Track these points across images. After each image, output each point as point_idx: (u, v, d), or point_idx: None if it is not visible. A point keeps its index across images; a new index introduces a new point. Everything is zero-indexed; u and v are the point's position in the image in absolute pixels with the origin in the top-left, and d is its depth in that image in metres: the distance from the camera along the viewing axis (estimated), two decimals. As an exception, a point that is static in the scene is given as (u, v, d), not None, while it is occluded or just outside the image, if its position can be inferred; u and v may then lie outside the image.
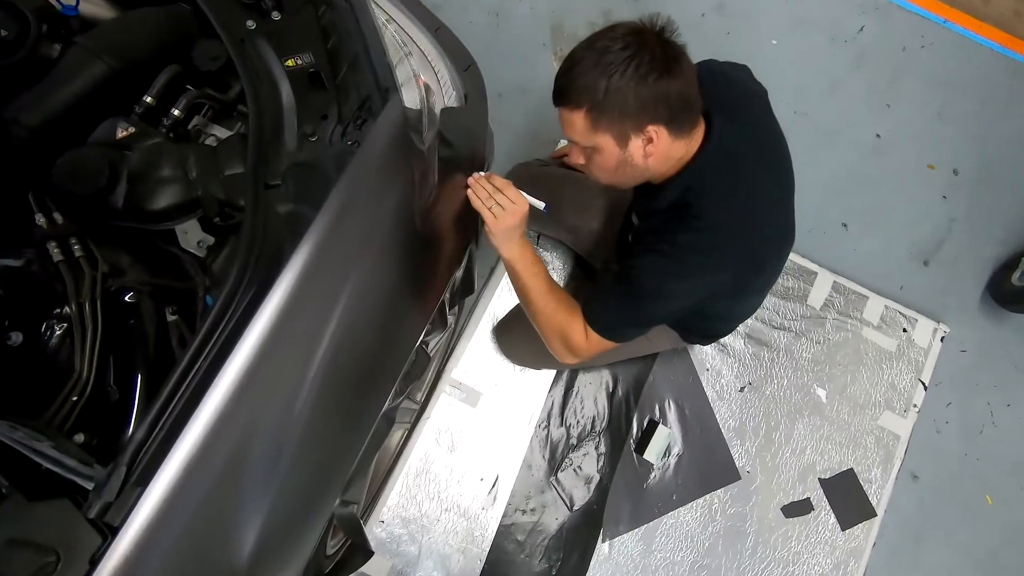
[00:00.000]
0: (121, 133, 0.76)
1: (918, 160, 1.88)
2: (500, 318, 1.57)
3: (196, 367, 0.67)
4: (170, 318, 0.76)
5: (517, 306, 1.54)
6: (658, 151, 0.92)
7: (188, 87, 0.89)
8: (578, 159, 1.01)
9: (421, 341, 0.93)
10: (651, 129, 0.89)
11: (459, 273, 1.07)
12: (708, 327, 1.31)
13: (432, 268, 0.95)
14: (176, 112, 0.82)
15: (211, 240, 0.82)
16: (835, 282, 1.73)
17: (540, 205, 1.02)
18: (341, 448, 0.78)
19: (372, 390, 0.80)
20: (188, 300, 0.78)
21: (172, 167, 0.79)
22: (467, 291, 1.17)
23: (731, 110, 0.99)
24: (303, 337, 0.71)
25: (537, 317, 1.08)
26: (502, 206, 0.98)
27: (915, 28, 1.98)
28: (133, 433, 0.64)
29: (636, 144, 0.91)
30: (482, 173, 1.01)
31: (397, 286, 0.84)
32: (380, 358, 0.80)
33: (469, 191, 1.00)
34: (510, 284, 1.66)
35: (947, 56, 1.96)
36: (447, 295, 1.04)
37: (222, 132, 0.93)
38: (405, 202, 0.86)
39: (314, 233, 0.73)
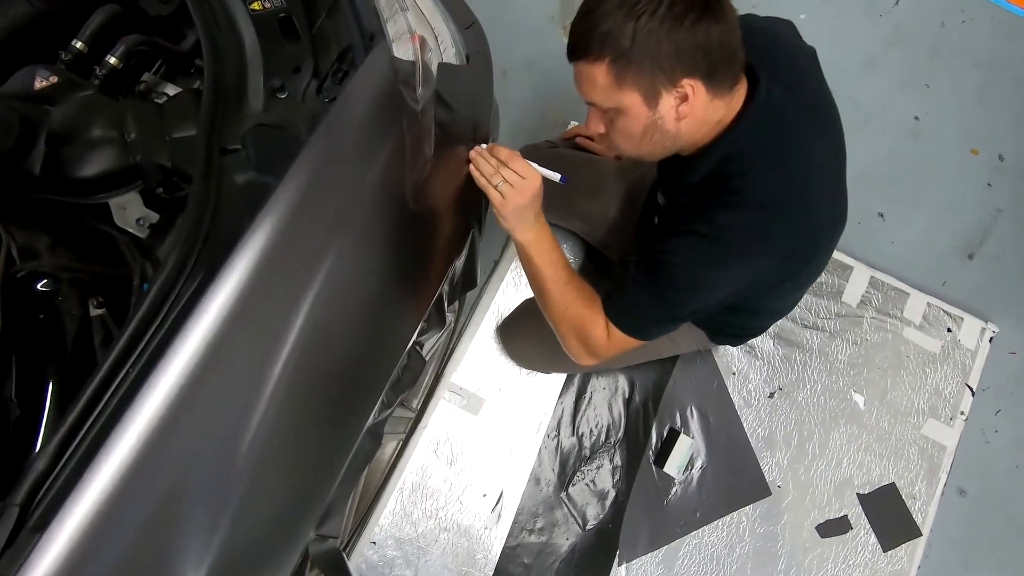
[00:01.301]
0: (40, 83, 0.61)
1: (960, 144, 1.72)
2: (505, 316, 1.42)
3: (121, 375, 0.52)
4: (95, 312, 0.61)
5: (524, 303, 1.38)
6: (694, 112, 0.77)
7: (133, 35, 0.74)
8: (597, 127, 0.86)
9: (414, 342, 0.78)
10: (686, 83, 0.74)
11: (459, 263, 0.91)
12: (741, 325, 1.16)
13: (427, 256, 0.80)
14: (112, 60, 0.67)
15: (155, 217, 0.67)
16: (872, 277, 1.57)
17: (555, 177, 0.87)
18: (313, 474, 0.63)
19: (353, 402, 0.65)
20: (122, 291, 0.63)
21: (105, 126, 0.64)
22: (468, 285, 1.02)
23: (777, 67, 0.83)
24: (262, 338, 0.56)
25: (552, 311, 0.93)
26: (510, 182, 0.83)
27: (955, 2, 1.83)
28: (33, 461, 0.49)
29: (668, 103, 0.76)
30: (484, 146, 0.86)
31: (384, 276, 0.70)
32: (363, 364, 0.65)
33: (471, 167, 0.85)
34: (515, 280, 1.52)
35: (990, 32, 1.81)
36: (445, 288, 0.89)
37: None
38: (394, 173, 0.71)
39: (277, 207, 0.58)
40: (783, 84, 0.83)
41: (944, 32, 1.81)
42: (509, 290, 1.48)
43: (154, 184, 0.65)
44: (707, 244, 0.81)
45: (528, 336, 1.33)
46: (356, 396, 0.64)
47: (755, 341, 1.51)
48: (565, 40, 0.80)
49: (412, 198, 0.74)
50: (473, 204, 0.91)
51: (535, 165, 0.85)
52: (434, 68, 0.77)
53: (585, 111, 0.85)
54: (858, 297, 1.56)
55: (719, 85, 0.77)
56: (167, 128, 0.68)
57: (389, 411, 0.75)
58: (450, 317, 1.18)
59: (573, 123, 1.59)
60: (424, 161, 0.76)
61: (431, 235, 0.81)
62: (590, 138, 1.42)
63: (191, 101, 0.70)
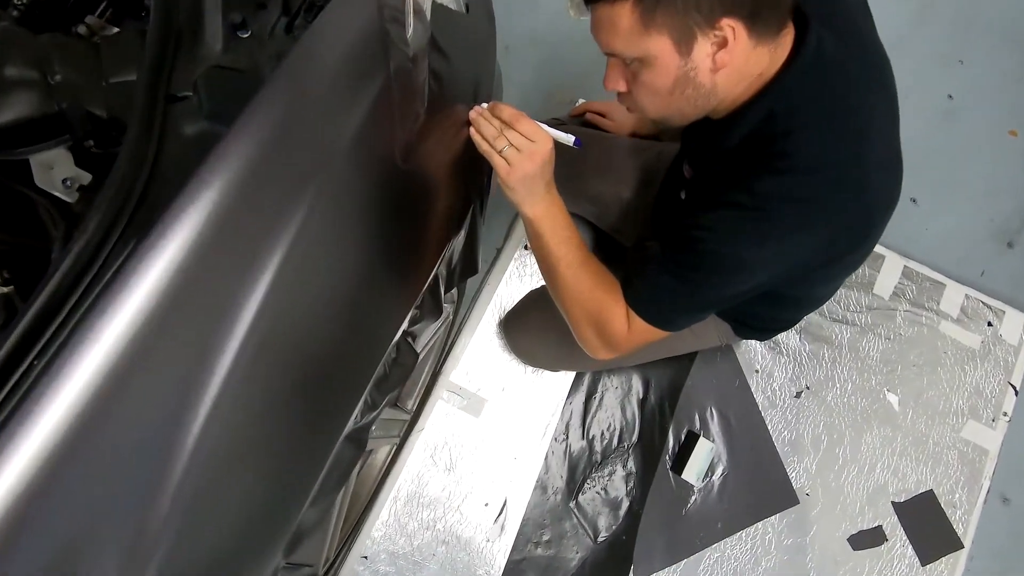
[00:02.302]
0: (-61, 11, 0.50)
1: (997, 125, 1.61)
2: (509, 309, 1.30)
3: (22, 367, 0.40)
4: (2, 289, 0.49)
5: (530, 294, 1.26)
6: (733, 60, 0.66)
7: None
8: (616, 84, 0.74)
9: (405, 333, 0.66)
10: (726, 24, 0.63)
11: (458, 243, 0.79)
12: (773, 317, 1.04)
13: (420, 231, 0.69)
14: (33, -15, 0.56)
15: (86, 178, 0.56)
16: (905, 267, 1.46)
17: (568, 140, 0.76)
18: (277, 491, 0.51)
19: (328, 403, 0.53)
20: (40, 265, 0.51)
21: (21, 65, 0.52)
22: (469, 271, 0.90)
23: (828, 12, 0.72)
24: (207, 325, 0.45)
25: (565, 297, 0.82)
26: (516, 147, 0.71)
27: (989, -27, 1.71)
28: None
29: (703, 49, 0.65)
30: (484, 105, 0.74)
31: (367, 252, 0.58)
32: (340, 356, 0.53)
33: (471, 130, 0.73)
34: (520, 270, 1.40)
35: (1026, 5, 1.69)
36: (441, 271, 0.77)
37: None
38: (379, 128, 0.59)
39: (227, 158, 0.47)
40: (835, 31, 0.71)
41: (979, 3, 1.69)
42: (513, 280, 1.36)
43: (81, 135, 0.53)
44: (748, 217, 0.69)
45: (534, 330, 1.21)
46: (332, 395, 0.53)
47: (780, 336, 1.39)
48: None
49: (402, 161, 0.62)
50: (474, 174, 0.80)
51: (545, 127, 0.74)
52: (427, 8, 0.65)
53: (595, 88, 0.74)
54: (891, 288, 1.45)
55: (763, 29, 0.66)
56: (105, 71, 0.56)
57: (375, 413, 0.63)
58: (448, 308, 1.06)
59: (581, 101, 1.47)
60: (415, 118, 0.64)
61: (425, 208, 0.69)
62: (601, 114, 1.30)
63: (136, 40, 0.58)
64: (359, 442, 0.62)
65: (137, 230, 0.46)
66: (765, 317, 1.05)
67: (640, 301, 0.79)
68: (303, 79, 0.52)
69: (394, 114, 0.59)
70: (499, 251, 1.38)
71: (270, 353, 0.47)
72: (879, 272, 1.45)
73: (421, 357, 1.00)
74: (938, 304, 1.44)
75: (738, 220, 0.70)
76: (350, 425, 0.56)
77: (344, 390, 0.54)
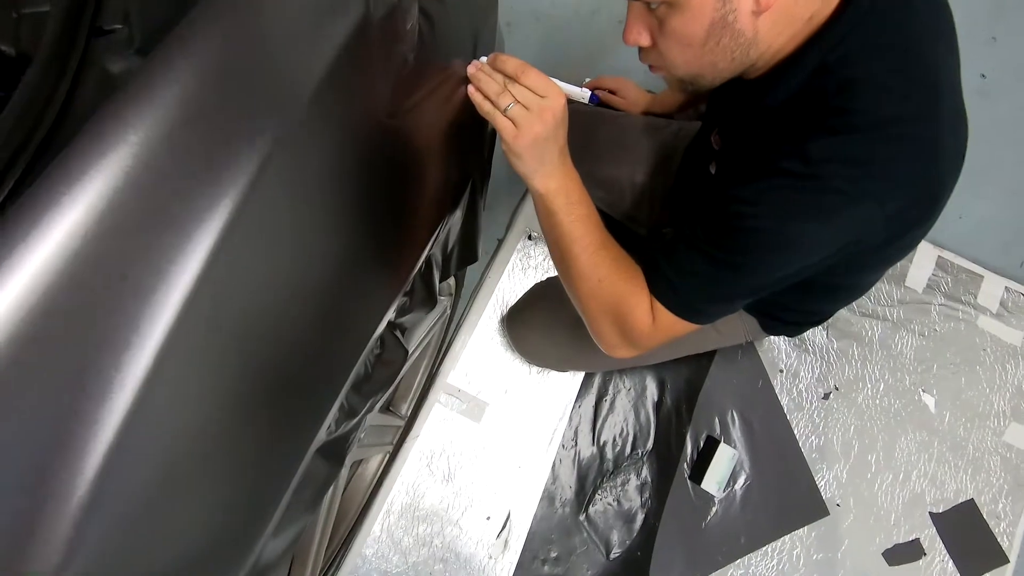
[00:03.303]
0: None
1: (1034, 106, 1.50)
2: (512, 304, 1.19)
3: None
4: None
5: (535, 287, 1.15)
6: (777, 2, 0.55)
7: None
8: (639, 37, 0.64)
9: (391, 325, 0.56)
10: None
11: (454, 223, 0.69)
12: (809, 310, 0.93)
13: (408, 202, 0.58)
14: None
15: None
16: (939, 257, 1.35)
17: (584, 95, 0.65)
18: (224, 520, 0.40)
19: (288, 409, 0.42)
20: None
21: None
22: (468, 257, 0.79)
23: None
24: (117, 304, 0.34)
25: (580, 285, 0.71)
26: (524, 104, 0.61)
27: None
28: None
29: None
30: (484, 59, 0.63)
31: (339, 223, 0.47)
32: (303, 350, 0.42)
33: (470, 88, 0.63)
34: (523, 262, 1.29)
35: (1061, -21, 1.59)
36: (435, 255, 0.66)
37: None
38: (354, 69, 0.48)
39: (147, 99, 0.36)
40: None
41: (1010, -21, 1.59)
42: (516, 273, 1.25)
43: (-21, 74, 0.42)
44: (800, 186, 0.58)
45: (540, 327, 1.11)
46: (295, 398, 0.42)
47: (806, 333, 1.28)
48: None
49: (386, 117, 0.51)
50: (474, 144, 0.69)
51: (557, 81, 0.63)
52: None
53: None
54: (924, 281, 1.34)
55: None
56: (15, 1, 0.46)
57: (355, 420, 0.52)
58: (445, 302, 0.96)
59: (588, 80, 1.37)
60: (402, 65, 0.53)
61: (415, 177, 0.58)
62: (612, 91, 1.20)
63: (57, -34, 0.47)
64: (336, 456, 0.51)
65: (37, 191, 0.35)
66: (799, 310, 0.94)
67: (668, 290, 0.68)
68: (256, 3, 0.42)
69: (374, 55, 0.49)
70: (500, 242, 1.28)
71: (211, 345, 0.37)
72: (911, 263, 1.34)
73: (415, 356, 0.89)
74: (975, 297, 1.33)
75: (787, 190, 0.59)
76: (323, 435, 0.46)
77: (312, 392, 0.43)
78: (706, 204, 0.67)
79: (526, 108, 0.60)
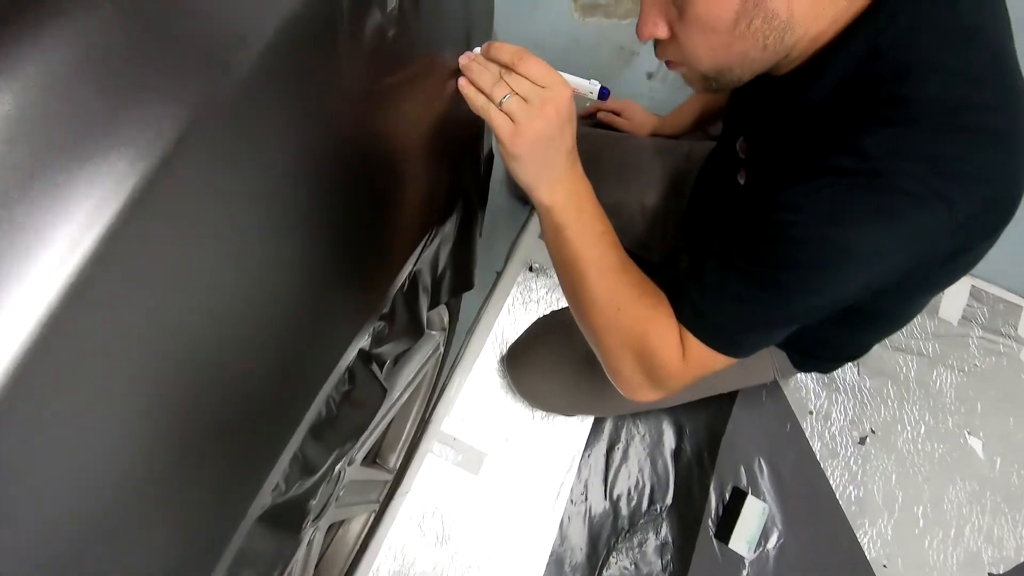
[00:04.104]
0: None
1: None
2: (513, 341, 1.08)
3: None
4: None
5: (538, 321, 1.05)
6: None
7: None
8: (655, 29, 0.56)
9: (363, 355, 0.45)
10: None
11: (444, 236, 0.59)
12: (847, 342, 0.83)
13: (382, 210, 0.48)
14: None
15: None
16: (973, 287, 1.25)
17: (592, 88, 0.57)
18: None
19: (207, 461, 0.31)
20: None
21: None
22: (461, 283, 0.69)
23: None
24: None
25: (595, 315, 0.60)
26: (523, 96, 0.52)
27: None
28: None
29: None
30: (477, 50, 0.55)
31: (285, 224, 0.37)
32: (232, 383, 0.31)
33: (461, 81, 0.54)
34: (524, 296, 1.19)
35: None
36: (421, 273, 0.56)
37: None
38: (310, 34, 0.39)
39: (41, 36, 0.27)
40: None
41: None
42: (517, 308, 1.15)
43: None
44: (856, 184, 0.49)
45: (544, 365, 0.99)
46: (215, 448, 0.30)
47: (835, 371, 1.17)
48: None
49: (354, 104, 0.42)
50: (466, 150, 0.60)
51: (562, 73, 0.55)
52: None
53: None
54: (959, 312, 1.24)
55: None
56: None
57: (314, 478, 0.41)
58: (437, 337, 0.85)
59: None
60: (379, 40, 0.45)
61: (393, 176, 0.49)
62: (616, 113, 1.13)
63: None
64: (289, 525, 0.39)
65: None
66: (835, 343, 0.83)
67: (698, 317, 0.58)
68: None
69: (346, 16, 0.40)
70: (499, 274, 1.18)
71: (79, 368, 0.26)
72: (943, 293, 1.24)
73: (403, 399, 0.78)
74: (1016, 329, 1.23)
75: (840, 190, 0.50)
76: (266, 498, 0.34)
77: (246, 438, 0.32)
78: (737, 216, 0.58)
79: (525, 100, 0.52)
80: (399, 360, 0.78)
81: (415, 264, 0.50)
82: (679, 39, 0.56)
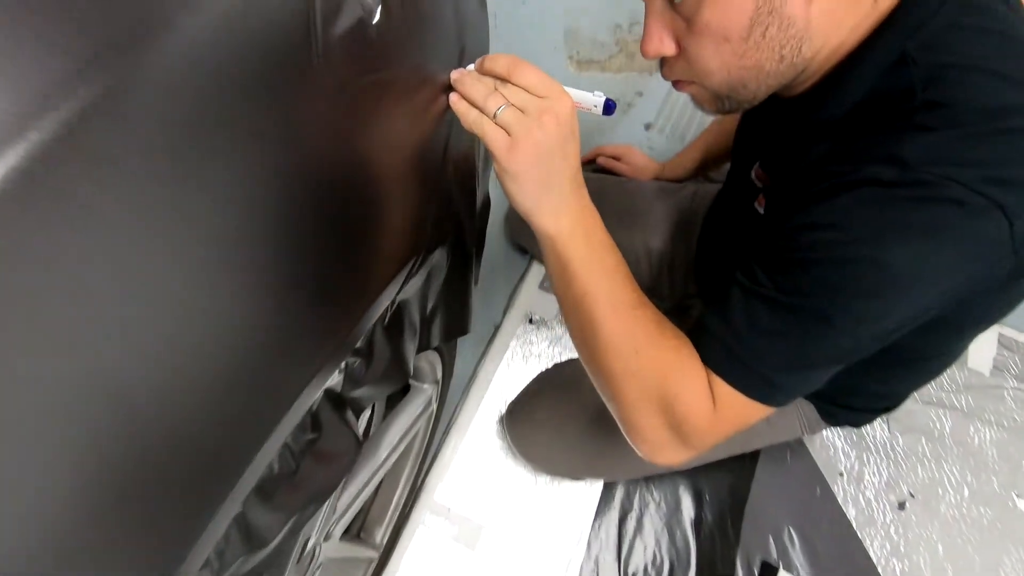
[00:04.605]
0: None
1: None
2: (512, 398, 0.99)
3: None
4: None
5: (540, 375, 0.96)
6: None
7: None
8: (662, 43, 0.52)
9: (332, 398, 0.37)
10: None
11: (434, 264, 0.53)
12: (883, 391, 0.75)
13: (352, 228, 0.41)
14: None
15: None
16: (1000, 335, 1.18)
17: (597, 100, 0.52)
18: None
19: (99, 524, 0.23)
20: None
21: None
22: (454, 326, 0.62)
23: None
24: None
25: (609, 361, 0.53)
26: (519, 106, 0.47)
27: None
28: None
29: None
30: (471, 66, 0.51)
31: (216, 208, 0.30)
32: (147, 423, 0.24)
33: (452, 97, 0.49)
34: (524, 349, 1.11)
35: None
36: (407, 306, 0.49)
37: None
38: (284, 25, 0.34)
39: None
40: None
41: None
42: (516, 362, 1.07)
43: None
44: (899, 196, 0.44)
45: (548, 423, 0.90)
46: (112, 513, 0.22)
47: (863, 427, 1.08)
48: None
49: (326, 96, 0.37)
50: (461, 178, 0.54)
51: (566, 88, 0.50)
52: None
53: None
54: (989, 362, 1.16)
55: None
56: None
57: (264, 552, 0.32)
58: (429, 391, 0.77)
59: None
60: (358, 30, 0.40)
61: (369, 182, 0.42)
62: (616, 158, 1.10)
63: None
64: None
65: None
66: (869, 391, 0.75)
67: (729, 357, 0.50)
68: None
69: (315, 29, 0.35)
70: (498, 327, 1.11)
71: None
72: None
73: (389, 461, 0.69)
74: (1053, 380, 1.14)
75: (881, 203, 0.44)
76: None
77: (161, 496, 0.24)
78: (761, 243, 0.52)
79: (523, 113, 0.47)
80: (386, 416, 0.69)
81: (398, 293, 0.43)
82: (688, 54, 0.52)
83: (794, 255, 0.48)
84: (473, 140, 0.61)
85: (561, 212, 0.51)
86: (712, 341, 0.52)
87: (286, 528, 0.33)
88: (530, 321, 1.11)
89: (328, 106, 0.37)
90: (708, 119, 1.11)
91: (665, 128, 1.39)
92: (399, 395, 0.76)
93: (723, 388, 0.51)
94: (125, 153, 0.24)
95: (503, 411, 1.01)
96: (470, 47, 0.56)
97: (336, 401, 0.37)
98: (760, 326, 0.49)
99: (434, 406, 0.80)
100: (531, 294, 1.14)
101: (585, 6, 1.51)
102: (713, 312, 0.53)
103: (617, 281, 0.53)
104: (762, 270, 0.50)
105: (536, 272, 1.16)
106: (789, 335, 0.49)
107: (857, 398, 0.77)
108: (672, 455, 0.54)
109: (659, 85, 1.44)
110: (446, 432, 1.00)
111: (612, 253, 0.54)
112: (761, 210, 0.61)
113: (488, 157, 0.58)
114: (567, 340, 1.10)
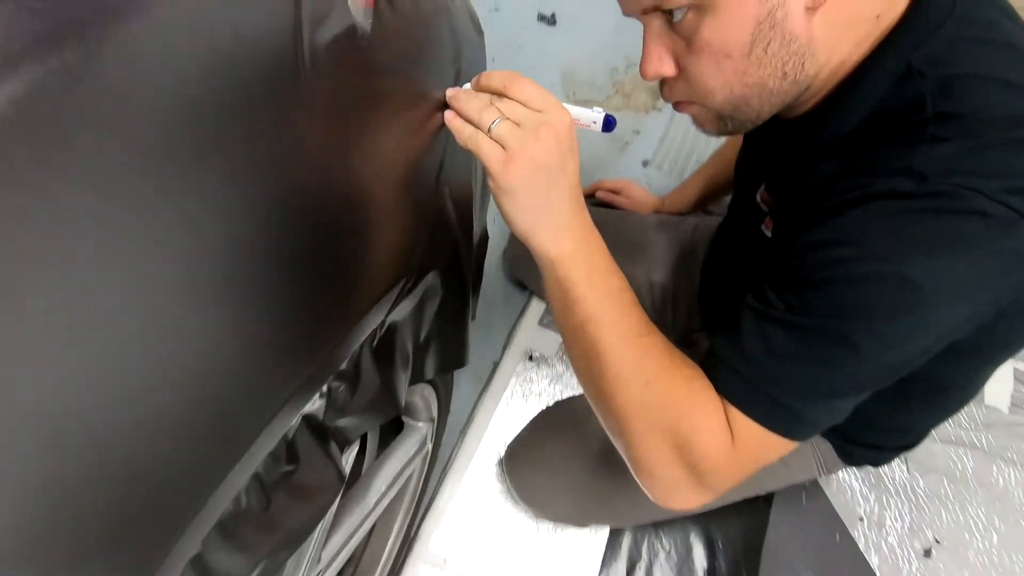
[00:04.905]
0: None
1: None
2: (512, 439, 0.94)
3: None
4: None
5: (542, 414, 0.92)
6: None
7: None
8: (661, 63, 0.51)
9: (311, 424, 0.34)
10: None
11: (428, 287, 0.50)
12: (904, 426, 0.72)
13: (335, 244, 0.38)
14: None
15: None
16: (1016, 370, 1.14)
17: (597, 116, 0.50)
18: None
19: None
20: None
21: None
22: (450, 358, 0.59)
23: None
24: None
25: (617, 394, 0.50)
26: (515, 121, 0.45)
27: None
28: None
29: None
30: (467, 85, 0.50)
31: (178, 207, 0.27)
32: (72, 435, 0.20)
33: (447, 115, 0.48)
34: (524, 388, 1.06)
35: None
36: (399, 329, 0.46)
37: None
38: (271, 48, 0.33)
39: None
40: None
41: None
42: (516, 401, 1.03)
43: None
44: (916, 208, 0.41)
45: (550, 465, 0.86)
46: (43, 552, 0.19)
47: (881, 468, 1.03)
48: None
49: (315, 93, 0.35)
50: (459, 199, 0.52)
51: (565, 104, 0.48)
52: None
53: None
54: (1007, 398, 1.12)
55: None
56: None
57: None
58: (424, 429, 0.73)
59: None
60: (350, 37, 0.39)
61: (355, 192, 0.40)
62: (615, 192, 1.09)
63: None
64: None
65: None
66: (889, 425, 0.71)
67: (746, 387, 0.47)
68: None
69: (304, 45, 0.33)
70: (496, 364, 1.07)
71: None
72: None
73: (381, 505, 0.64)
74: (1075, 416, 1.10)
75: (900, 216, 0.41)
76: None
77: (105, 537, 0.20)
78: (773, 265, 0.49)
79: (519, 127, 0.45)
80: (378, 456, 0.65)
81: (388, 314, 0.40)
82: (689, 73, 0.51)
83: (807, 274, 0.46)
84: (471, 167, 0.60)
85: (562, 233, 0.49)
86: (725, 368, 0.49)
87: (255, 572, 0.29)
88: (530, 358, 1.08)
89: (314, 114, 0.35)
90: (706, 154, 1.11)
91: (663, 165, 1.39)
92: (392, 434, 0.71)
93: (742, 421, 0.47)
94: (83, 142, 0.22)
95: (502, 453, 0.96)
96: (466, 69, 0.55)
97: (317, 429, 0.34)
98: (775, 350, 0.46)
99: (429, 446, 0.76)
100: (531, 330, 1.11)
101: (581, 51, 1.54)
102: (725, 339, 0.50)
103: (624, 307, 0.50)
104: (775, 292, 0.48)
105: (536, 308, 1.13)
106: (806, 358, 0.45)
107: (873, 433, 0.73)
108: (687, 497, 0.50)
109: (656, 123, 1.45)
110: (442, 475, 0.95)
111: (617, 276, 0.51)
112: (769, 233, 0.59)
113: (486, 187, 0.56)
114: (569, 378, 1.06)
